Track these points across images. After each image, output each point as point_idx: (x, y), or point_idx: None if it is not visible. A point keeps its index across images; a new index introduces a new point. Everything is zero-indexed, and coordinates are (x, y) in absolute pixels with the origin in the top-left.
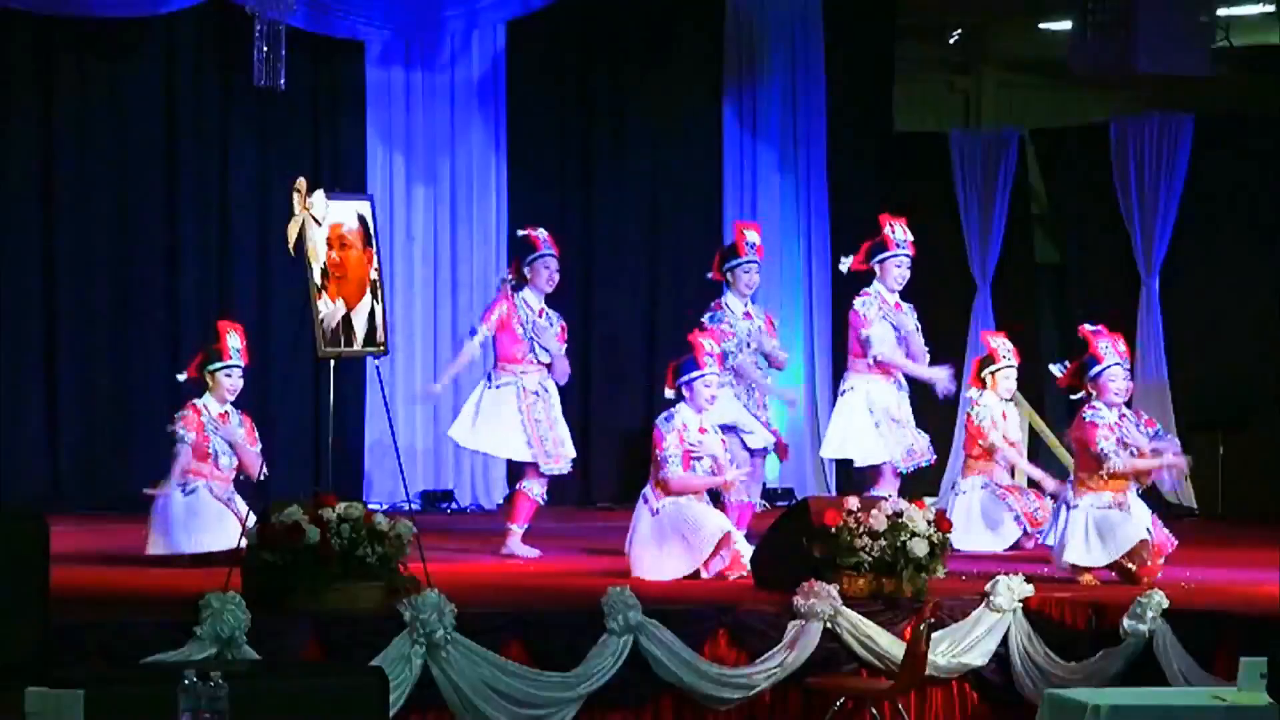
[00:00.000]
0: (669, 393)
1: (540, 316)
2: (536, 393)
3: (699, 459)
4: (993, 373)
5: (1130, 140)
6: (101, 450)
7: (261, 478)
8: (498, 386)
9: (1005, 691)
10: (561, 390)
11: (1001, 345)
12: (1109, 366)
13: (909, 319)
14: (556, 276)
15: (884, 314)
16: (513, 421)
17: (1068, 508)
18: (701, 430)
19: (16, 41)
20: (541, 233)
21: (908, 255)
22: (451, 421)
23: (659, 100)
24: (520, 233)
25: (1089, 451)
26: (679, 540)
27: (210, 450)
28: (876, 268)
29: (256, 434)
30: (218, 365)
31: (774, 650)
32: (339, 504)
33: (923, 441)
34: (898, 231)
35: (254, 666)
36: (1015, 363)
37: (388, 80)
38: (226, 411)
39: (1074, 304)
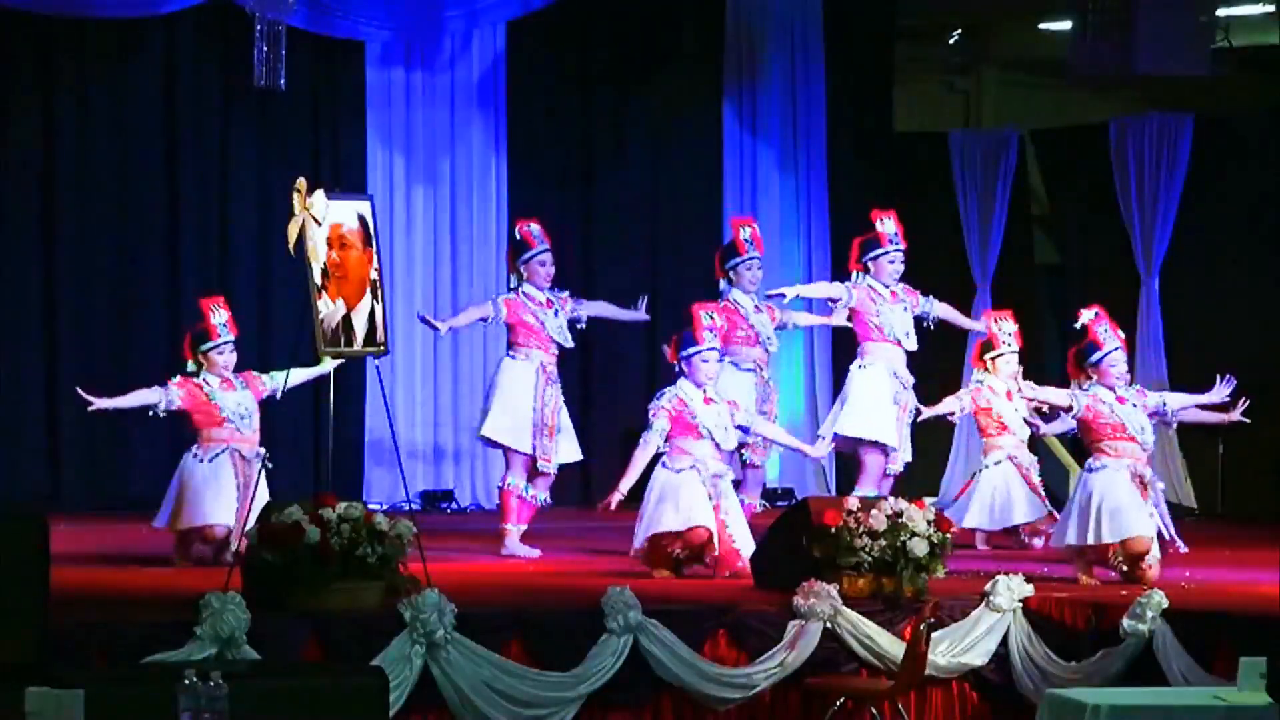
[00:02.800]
0: (675, 366)
1: (547, 308)
2: (553, 379)
3: (701, 435)
4: (993, 359)
5: (1130, 140)
6: (101, 450)
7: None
8: (519, 357)
9: (1005, 691)
10: (561, 390)
11: (1002, 329)
12: (1109, 352)
13: (896, 309)
14: (552, 270)
15: (876, 305)
16: (526, 409)
17: (1090, 472)
18: (707, 401)
19: (16, 41)
20: (534, 228)
21: (899, 249)
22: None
23: (659, 100)
24: (517, 233)
25: (1088, 424)
26: (659, 504)
27: (224, 416)
28: (871, 265)
29: (261, 382)
30: (208, 345)
31: (774, 650)
32: (339, 504)
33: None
34: (888, 225)
35: (254, 666)
36: (1016, 347)
37: (388, 80)
38: (229, 379)
39: (1074, 304)
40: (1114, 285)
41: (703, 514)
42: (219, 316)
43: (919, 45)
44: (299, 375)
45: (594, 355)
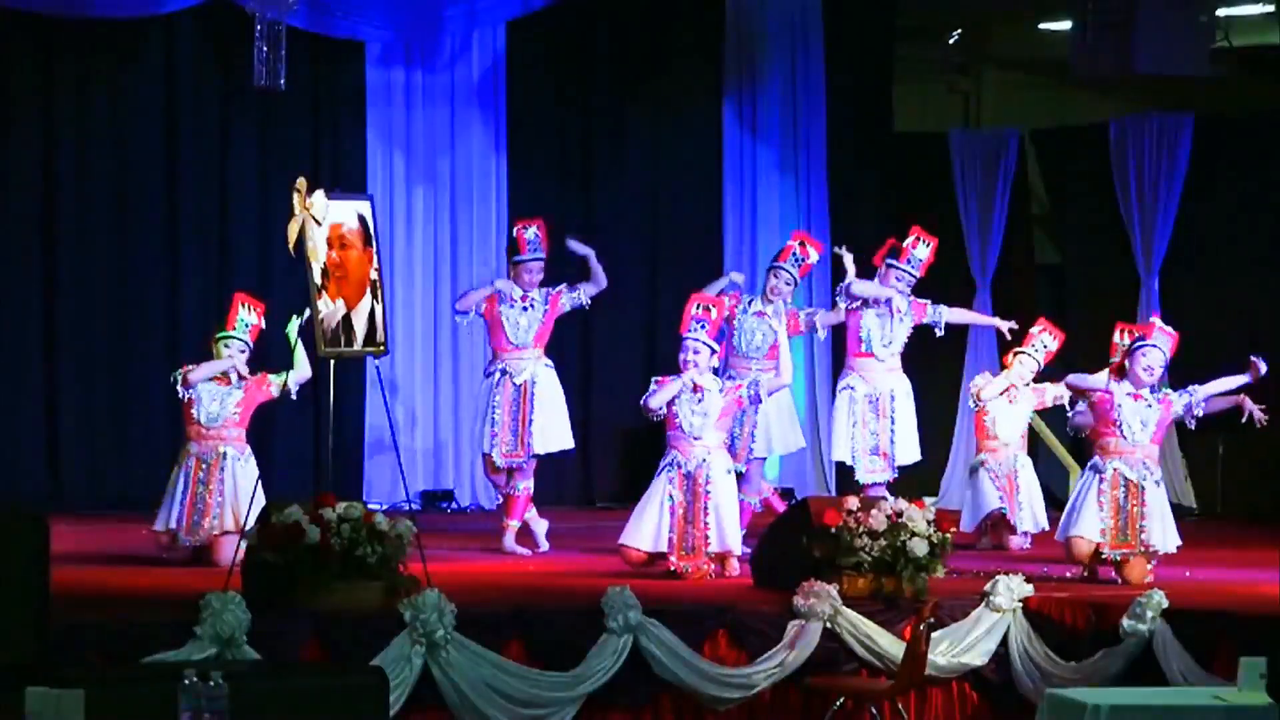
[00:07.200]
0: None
1: (522, 303)
2: (522, 383)
3: (686, 422)
4: (1017, 354)
5: (1130, 140)
6: (101, 450)
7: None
8: (486, 375)
9: (1005, 691)
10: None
11: (1040, 338)
12: (1140, 346)
13: (886, 320)
14: (538, 279)
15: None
16: (487, 415)
17: (1093, 471)
18: (696, 389)
19: (17, 41)
20: (531, 233)
21: (912, 275)
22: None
23: (659, 100)
24: (514, 232)
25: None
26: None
27: (194, 414)
28: (882, 267)
29: (269, 387)
30: (221, 334)
31: (774, 650)
32: (339, 504)
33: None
34: (920, 248)
35: (254, 666)
36: (1042, 360)
37: (388, 80)
38: (225, 375)
39: (1074, 304)
40: (1114, 285)
41: (642, 535)
42: (243, 314)
43: (919, 45)
44: (299, 368)
45: (594, 356)
